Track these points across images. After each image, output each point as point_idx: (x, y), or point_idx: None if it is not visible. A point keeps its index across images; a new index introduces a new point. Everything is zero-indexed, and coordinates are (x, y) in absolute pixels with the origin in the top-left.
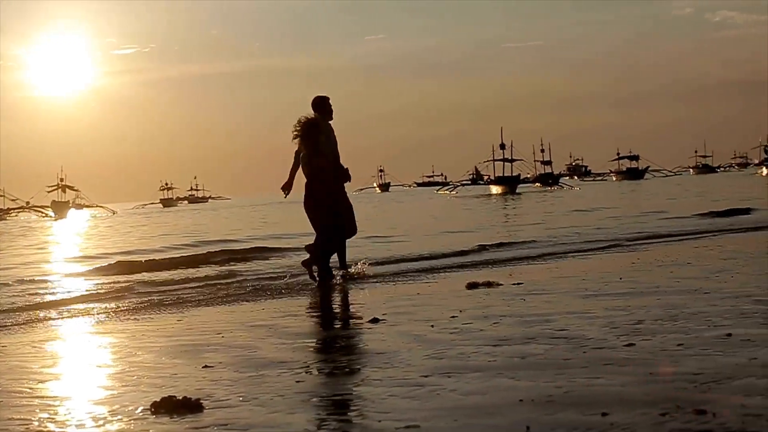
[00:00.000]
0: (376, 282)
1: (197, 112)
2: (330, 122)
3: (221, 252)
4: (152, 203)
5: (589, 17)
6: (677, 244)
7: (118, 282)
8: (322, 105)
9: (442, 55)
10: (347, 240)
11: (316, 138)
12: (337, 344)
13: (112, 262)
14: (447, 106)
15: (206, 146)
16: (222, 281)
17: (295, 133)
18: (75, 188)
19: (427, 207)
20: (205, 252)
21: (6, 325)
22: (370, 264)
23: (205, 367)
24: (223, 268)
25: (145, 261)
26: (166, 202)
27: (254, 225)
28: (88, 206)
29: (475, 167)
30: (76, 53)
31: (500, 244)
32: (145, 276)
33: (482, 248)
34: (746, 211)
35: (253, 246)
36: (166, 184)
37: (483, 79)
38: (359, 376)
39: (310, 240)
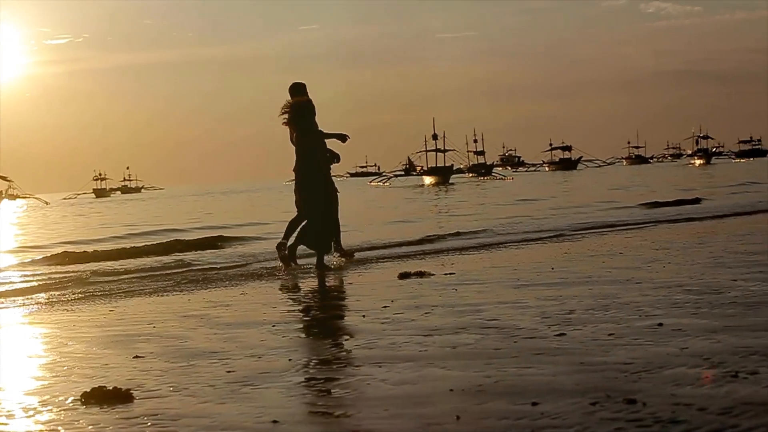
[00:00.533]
0: (311, 273)
1: (131, 102)
2: None
3: (170, 242)
4: (84, 193)
5: (523, 8)
6: (613, 234)
7: (56, 273)
8: (303, 90)
9: (375, 45)
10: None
11: (310, 118)
12: (267, 334)
13: (57, 252)
14: (380, 96)
15: (140, 136)
16: (162, 272)
17: (284, 116)
18: (8, 178)
19: (364, 198)
20: (151, 243)
21: None
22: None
23: (136, 357)
24: (166, 258)
25: (92, 251)
26: (99, 192)
27: (194, 215)
28: (21, 196)
29: (408, 158)
30: (8, 42)
31: (439, 237)
32: (87, 266)
33: (423, 240)
34: (696, 200)
35: (200, 237)
36: (99, 174)
37: (417, 69)
38: (290, 366)
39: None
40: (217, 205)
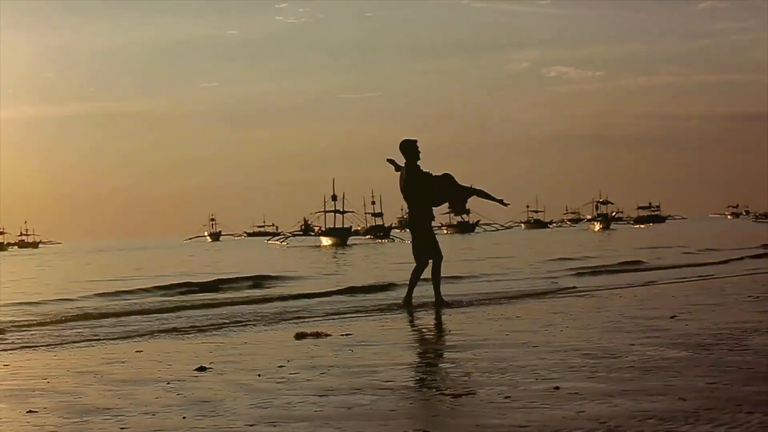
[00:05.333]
0: (206, 330)
1: (30, 155)
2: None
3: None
4: None
5: (426, 69)
6: (512, 300)
7: None
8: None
9: (276, 103)
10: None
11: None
12: (162, 392)
13: None
14: (280, 155)
15: (38, 190)
16: (55, 326)
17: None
18: None
19: (263, 257)
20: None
21: None
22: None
23: (30, 412)
24: (66, 312)
25: None
26: None
27: (98, 272)
28: None
29: (305, 218)
30: None
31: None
32: None
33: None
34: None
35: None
36: None
37: (318, 129)
38: (184, 425)
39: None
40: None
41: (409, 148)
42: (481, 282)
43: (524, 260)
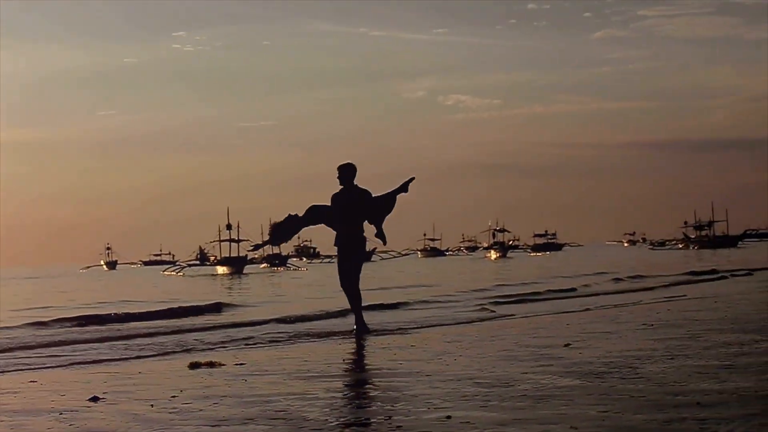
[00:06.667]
0: (99, 360)
1: None
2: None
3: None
4: None
5: (322, 97)
6: (406, 330)
7: None
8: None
9: (174, 132)
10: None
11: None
12: (54, 422)
13: None
14: (178, 185)
15: None
16: None
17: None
18: None
19: (160, 286)
20: None
21: None
22: None
23: None
24: None
25: None
26: None
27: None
28: None
29: (200, 247)
30: None
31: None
32: None
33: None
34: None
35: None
36: None
37: (216, 157)
38: None
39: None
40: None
41: (351, 170)
42: (418, 311)
43: (454, 287)
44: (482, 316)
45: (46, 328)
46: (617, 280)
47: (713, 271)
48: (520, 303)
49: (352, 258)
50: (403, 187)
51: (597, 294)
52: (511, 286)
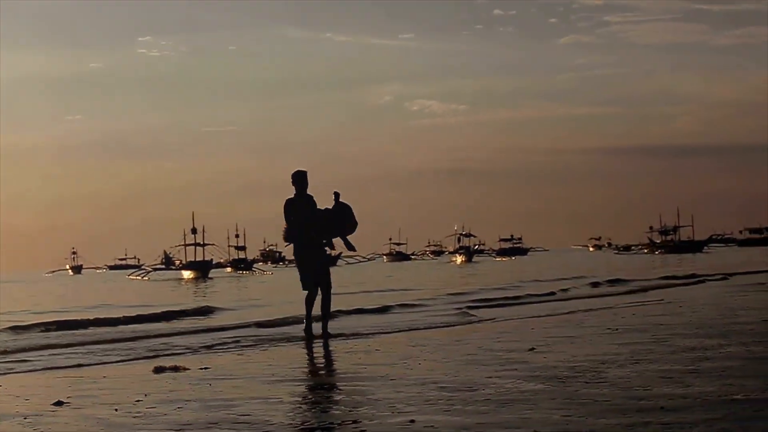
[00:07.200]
0: (65, 365)
1: None
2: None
3: None
4: None
5: (287, 103)
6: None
7: None
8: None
9: (139, 138)
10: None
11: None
12: (19, 427)
13: None
14: (143, 189)
15: None
16: None
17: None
18: None
19: (129, 290)
20: None
21: None
22: None
23: None
24: None
25: None
26: None
27: None
28: None
29: (165, 252)
30: None
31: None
32: None
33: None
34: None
35: None
36: None
37: (181, 162)
38: None
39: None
40: None
41: (304, 178)
42: (397, 314)
43: (430, 292)
44: (462, 320)
45: (22, 332)
46: (595, 284)
47: (693, 275)
48: (501, 307)
49: (323, 261)
50: (348, 245)
51: (579, 298)
52: (489, 290)
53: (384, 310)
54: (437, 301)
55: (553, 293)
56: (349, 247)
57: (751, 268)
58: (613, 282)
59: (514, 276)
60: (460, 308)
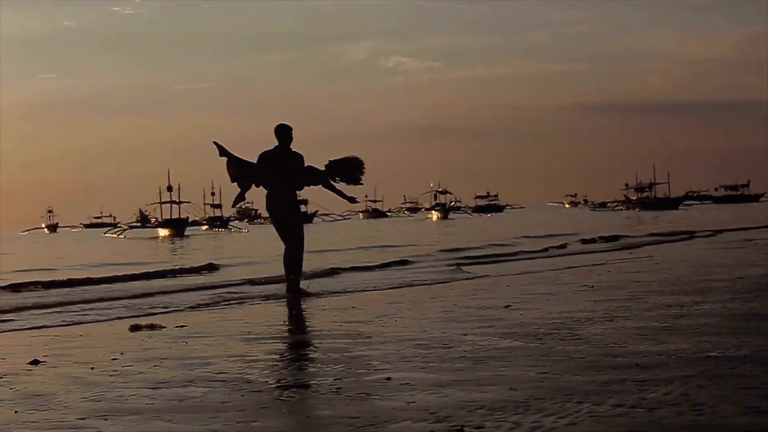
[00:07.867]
0: (41, 324)
1: None
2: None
3: None
4: None
5: (261, 61)
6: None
7: None
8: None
9: (113, 96)
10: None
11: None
12: None
13: None
14: (118, 147)
15: None
16: None
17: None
18: None
19: (108, 248)
20: None
21: None
22: None
23: None
24: None
25: None
26: None
27: None
28: None
29: (140, 210)
30: None
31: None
32: None
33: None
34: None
35: None
36: None
37: (154, 120)
38: (15, 419)
39: None
40: None
41: (287, 132)
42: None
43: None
44: (457, 276)
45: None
46: (585, 241)
47: (687, 232)
48: (493, 263)
49: (299, 220)
50: (350, 199)
51: (573, 254)
52: (478, 248)
53: (372, 269)
54: (430, 258)
55: (546, 249)
56: (350, 200)
57: (738, 225)
58: (607, 239)
59: (497, 233)
60: (456, 264)
